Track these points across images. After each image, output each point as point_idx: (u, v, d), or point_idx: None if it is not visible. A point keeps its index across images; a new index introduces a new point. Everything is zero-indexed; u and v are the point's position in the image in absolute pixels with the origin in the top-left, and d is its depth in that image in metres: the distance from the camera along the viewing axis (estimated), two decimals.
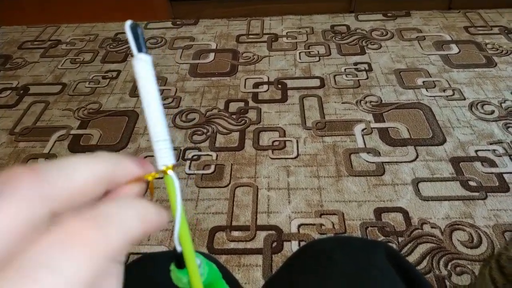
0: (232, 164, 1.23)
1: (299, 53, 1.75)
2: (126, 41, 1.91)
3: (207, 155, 1.27)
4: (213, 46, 1.85)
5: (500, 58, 1.62)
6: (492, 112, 1.36)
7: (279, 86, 1.56)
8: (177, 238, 0.20)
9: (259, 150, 1.28)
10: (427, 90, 1.47)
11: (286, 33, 1.90)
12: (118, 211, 0.15)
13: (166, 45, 1.87)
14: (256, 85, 1.57)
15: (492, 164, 1.17)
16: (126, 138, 1.36)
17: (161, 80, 1.63)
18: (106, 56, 1.82)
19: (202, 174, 1.21)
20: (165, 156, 0.19)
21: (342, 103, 1.45)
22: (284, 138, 1.31)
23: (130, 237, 0.15)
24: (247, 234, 1.03)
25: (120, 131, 1.39)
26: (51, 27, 2.09)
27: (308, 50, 1.76)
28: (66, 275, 0.12)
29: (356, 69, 1.61)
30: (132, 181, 0.18)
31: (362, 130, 1.32)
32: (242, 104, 1.48)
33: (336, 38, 1.83)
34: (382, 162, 1.20)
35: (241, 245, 1.01)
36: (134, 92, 1.58)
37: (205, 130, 1.37)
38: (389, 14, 1.99)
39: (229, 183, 1.18)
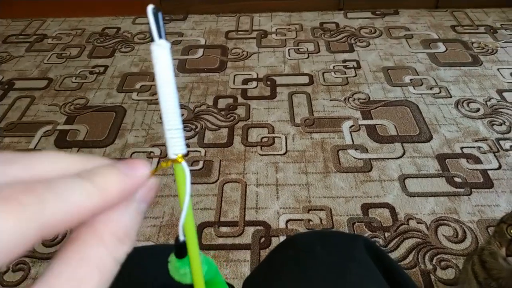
0: (220, 160, 1.23)
1: (288, 50, 1.75)
2: (113, 36, 1.89)
3: (196, 151, 1.27)
4: (202, 42, 1.84)
5: (486, 57, 1.64)
6: (478, 110, 1.38)
7: (268, 82, 1.56)
8: (182, 227, 0.19)
9: (247, 146, 1.28)
10: (414, 88, 1.49)
11: (276, 29, 1.90)
12: (65, 181, 0.15)
13: None
14: (245, 82, 1.57)
15: (477, 161, 1.19)
16: (114, 133, 1.35)
17: (149, 76, 1.61)
18: (93, 51, 1.79)
19: (191, 170, 1.20)
20: (177, 145, 0.18)
21: (331, 100, 1.45)
22: (273, 135, 1.32)
23: (79, 207, 0.15)
24: (235, 230, 1.04)
25: (107, 126, 1.38)
26: (37, 21, 2.05)
27: (297, 47, 1.76)
28: None
29: (345, 67, 1.62)
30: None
31: (350, 127, 1.33)
32: (231, 100, 1.47)
33: (325, 36, 1.83)
34: (370, 159, 1.21)
35: (229, 241, 1.01)
36: (122, 87, 1.56)
37: (193, 126, 1.36)
38: (377, 12, 2.00)
39: (218, 179, 1.17)
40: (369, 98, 1.45)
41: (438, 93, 1.46)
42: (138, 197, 0.17)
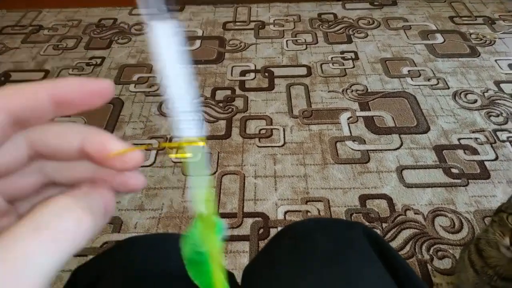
0: (218, 152, 1.23)
1: (286, 41, 1.74)
2: (110, 28, 1.88)
3: None
4: (199, 33, 1.83)
5: (484, 48, 1.64)
6: (475, 101, 1.39)
7: (266, 74, 1.55)
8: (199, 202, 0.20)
9: (246, 138, 1.28)
10: (412, 79, 1.49)
11: (273, 20, 1.89)
12: None
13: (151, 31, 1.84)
14: (243, 73, 1.56)
15: (474, 152, 1.20)
16: (111, 126, 1.35)
17: (147, 67, 1.61)
18: (90, 43, 1.78)
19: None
20: (189, 128, 0.18)
21: (329, 91, 1.45)
22: (271, 127, 1.32)
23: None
24: (234, 221, 1.04)
25: (105, 119, 1.38)
26: (33, 12, 2.03)
27: (295, 38, 1.75)
28: None
29: (343, 58, 1.62)
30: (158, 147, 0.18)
31: (348, 118, 1.33)
32: (229, 92, 1.47)
33: (323, 27, 1.83)
34: (367, 150, 1.22)
35: (228, 232, 1.02)
36: (119, 79, 1.55)
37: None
38: (376, 3, 1.99)
39: (216, 171, 1.18)
40: (367, 89, 1.45)
41: (435, 85, 1.46)
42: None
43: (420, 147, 1.22)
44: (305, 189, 1.12)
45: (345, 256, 0.39)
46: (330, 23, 1.85)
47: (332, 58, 1.62)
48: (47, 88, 0.17)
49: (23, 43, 1.79)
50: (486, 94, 1.41)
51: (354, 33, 1.77)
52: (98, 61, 1.66)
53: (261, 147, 1.25)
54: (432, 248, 0.97)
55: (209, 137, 1.29)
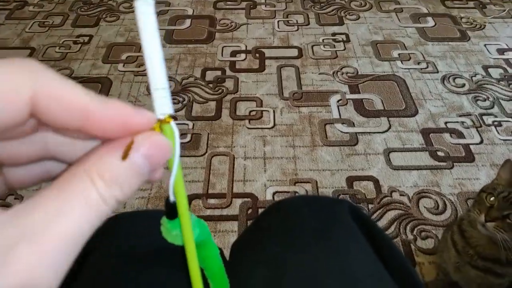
0: (208, 134, 1.23)
1: (278, 21, 1.72)
2: (97, 5, 1.83)
3: (184, 124, 1.26)
4: (190, 12, 1.80)
5: (474, 33, 1.65)
6: (463, 85, 1.40)
7: (257, 55, 1.54)
8: (172, 188, 0.20)
9: (236, 119, 1.28)
10: (402, 63, 1.50)
11: (265, 0, 1.86)
12: None
13: None
14: (234, 54, 1.55)
15: (460, 135, 1.22)
16: None
17: (135, 46, 1.58)
18: (77, 20, 1.74)
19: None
20: (164, 105, 0.19)
21: (319, 74, 1.45)
22: (261, 108, 1.32)
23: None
24: (223, 202, 1.05)
25: None
26: None
27: (287, 19, 1.74)
28: None
29: (334, 40, 1.61)
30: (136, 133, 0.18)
31: (338, 101, 1.34)
32: (219, 73, 1.46)
33: (315, 8, 1.81)
34: (356, 133, 1.23)
35: (217, 212, 1.03)
36: (107, 58, 1.53)
37: (181, 99, 1.35)
38: None
39: (206, 152, 1.18)
40: (357, 72, 1.46)
41: (425, 68, 1.47)
42: (142, 151, 0.17)
43: (407, 130, 1.24)
44: (294, 171, 1.13)
45: (332, 232, 0.40)
46: (322, 4, 1.83)
47: (323, 40, 1.61)
48: (96, 107, 0.17)
49: (7, 19, 1.74)
50: (474, 79, 1.42)
51: (346, 15, 1.76)
52: (86, 39, 1.63)
53: (251, 128, 1.25)
54: (416, 229, 1.00)
55: (199, 118, 1.28)
